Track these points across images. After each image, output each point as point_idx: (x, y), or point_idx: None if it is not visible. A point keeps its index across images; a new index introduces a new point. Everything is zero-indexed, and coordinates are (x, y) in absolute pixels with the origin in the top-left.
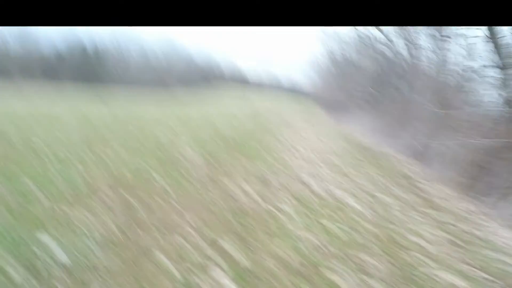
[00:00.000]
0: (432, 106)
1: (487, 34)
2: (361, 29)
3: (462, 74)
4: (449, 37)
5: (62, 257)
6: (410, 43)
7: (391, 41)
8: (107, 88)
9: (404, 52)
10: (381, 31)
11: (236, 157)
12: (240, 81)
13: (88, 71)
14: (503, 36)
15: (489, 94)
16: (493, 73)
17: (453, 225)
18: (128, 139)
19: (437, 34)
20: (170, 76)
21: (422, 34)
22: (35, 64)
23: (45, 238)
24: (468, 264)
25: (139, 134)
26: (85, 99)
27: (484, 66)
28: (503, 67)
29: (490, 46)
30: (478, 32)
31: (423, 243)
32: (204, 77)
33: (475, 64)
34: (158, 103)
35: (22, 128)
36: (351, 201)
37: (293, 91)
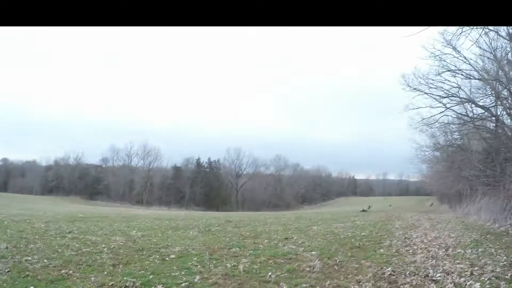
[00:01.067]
0: None
1: None
2: (457, 108)
3: None
4: None
5: None
6: (510, 109)
7: (493, 114)
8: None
9: (507, 121)
10: (477, 104)
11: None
12: (355, 190)
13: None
14: None
15: None
16: None
17: None
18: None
19: None
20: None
21: None
22: None
23: None
24: None
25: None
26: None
27: None
28: None
29: None
30: None
31: None
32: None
33: None
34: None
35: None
36: None
37: (406, 188)
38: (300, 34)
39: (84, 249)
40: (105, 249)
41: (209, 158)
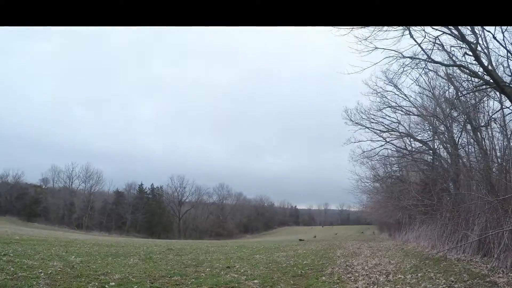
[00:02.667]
0: (484, 197)
1: None
2: (396, 142)
3: (504, 157)
4: (482, 126)
5: None
6: (447, 143)
7: (430, 148)
8: None
9: (444, 154)
10: (415, 138)
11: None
12: (297, 220)
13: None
14: None
15: None
16: None
17: None
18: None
19: (468, 126)
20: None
21: (455, 131)
22: None
23: None
24: None
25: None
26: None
27: None
28: None
29: None
30: None
31: None
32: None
33: None
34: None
35: None
36: None
37: (346, 217)
38: (246, 63)
39: (20, 274)
40: (42, 274)
41: (152, 185)
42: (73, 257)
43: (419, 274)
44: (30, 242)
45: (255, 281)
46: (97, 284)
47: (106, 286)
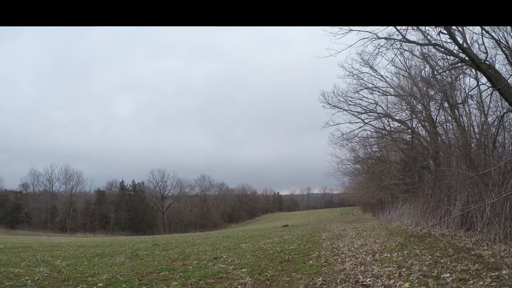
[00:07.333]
0: (465, 172)
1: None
2: (375, 122)
3: (482, 133)
4: (459, 103)
5: None
6: (425, 122)
7: (409, 127)
8: None
9: (422, 132)
10: (394, 118)
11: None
12: (280, 206)
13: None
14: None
15: None
16: None
17: None
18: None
19: (446, 104)
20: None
21: (433, 109)
22: None
23: None
24: None
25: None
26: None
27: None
28: None
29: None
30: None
31: None
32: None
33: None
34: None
35: None
36: None
37: (330, 200)
38: (226, 55)
39: (7, 283)
40: (29, 281)
41: (133, 181)
42: (59, 261)
43: (405, 252)
44: (14, 250)
45: (243, 269)
46: (85, 286)
47: (94, 287)
